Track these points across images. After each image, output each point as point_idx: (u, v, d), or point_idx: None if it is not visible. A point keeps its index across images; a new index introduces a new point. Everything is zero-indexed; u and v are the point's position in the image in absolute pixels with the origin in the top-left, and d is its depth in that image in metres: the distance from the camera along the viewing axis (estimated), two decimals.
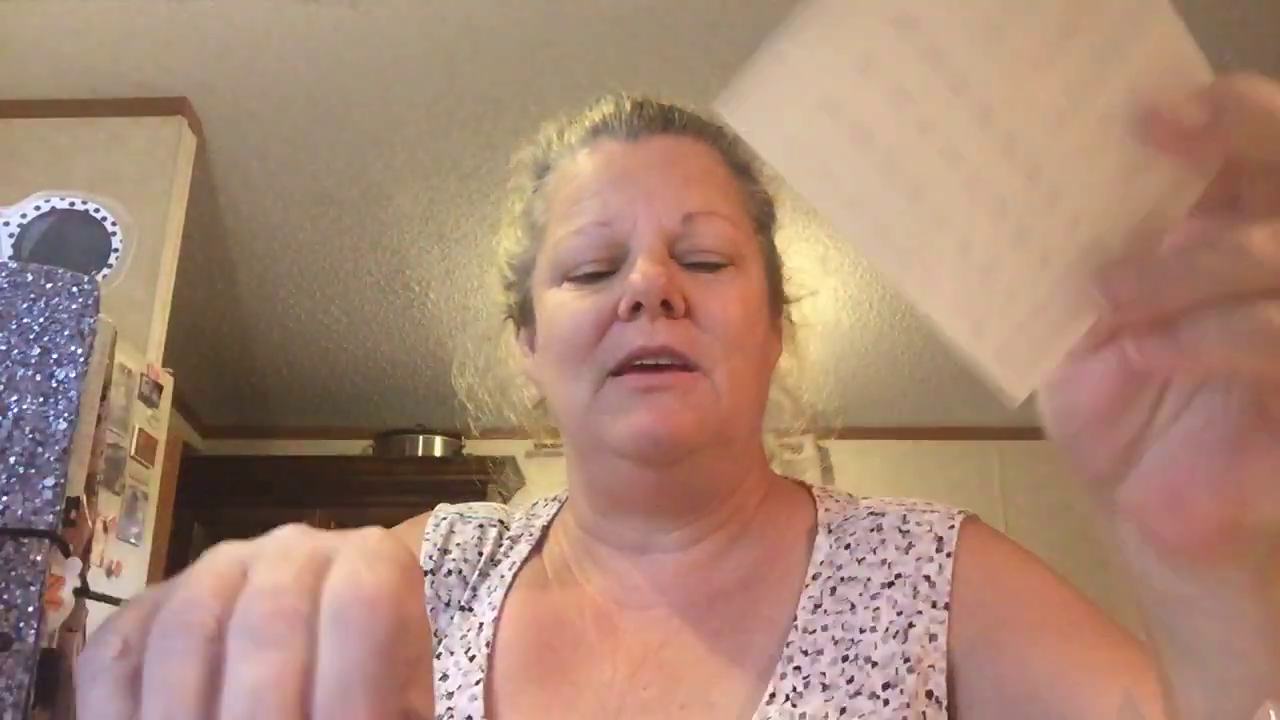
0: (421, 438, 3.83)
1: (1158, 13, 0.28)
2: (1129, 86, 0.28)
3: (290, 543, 0.31)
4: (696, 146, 0.66)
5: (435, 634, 0.65)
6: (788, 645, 0.57)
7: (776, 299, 0.69)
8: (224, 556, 0.30)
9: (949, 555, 0.58)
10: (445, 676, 0.62)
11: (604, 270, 0.61)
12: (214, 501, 3.32)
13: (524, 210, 0.69)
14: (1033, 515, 3.99)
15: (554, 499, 0.73)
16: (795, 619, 0.59)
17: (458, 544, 0.69)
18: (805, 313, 0.73)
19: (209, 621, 0.28)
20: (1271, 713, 0.23)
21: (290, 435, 4.14)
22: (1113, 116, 0.28)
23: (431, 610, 0.65)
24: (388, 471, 3.69)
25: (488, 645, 0.62)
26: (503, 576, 0.67)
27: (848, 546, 0.62)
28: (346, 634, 0.28)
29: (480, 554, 0.68)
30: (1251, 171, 0.28)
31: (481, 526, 0.70)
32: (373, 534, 0.31)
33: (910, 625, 0.56)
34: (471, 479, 3.33)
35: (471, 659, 0.62)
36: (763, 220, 0.68)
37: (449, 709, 0.59)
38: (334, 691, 0.27)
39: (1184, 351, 0.27)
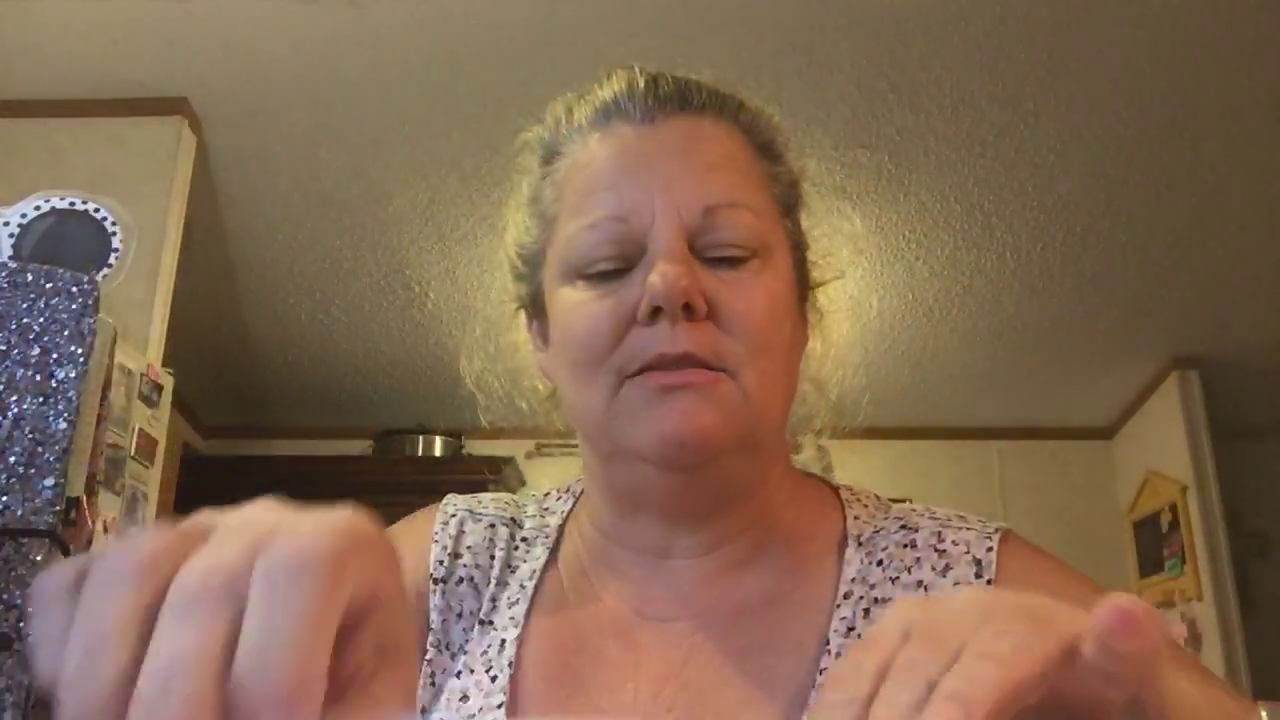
0: (421, 438, 3.83)
1: None
2: None
3: (254, 516, 0.29)
4: (716, 128, 0.61)
5: (447, 645, 0.62)
6: (821, 672, 0.54)
7: (804, 285, 0.65)
8: (195, 521, 0.30)
9: (988, 581, 0.56)
10: (465, 697, 0.59)
11: (619, 268, 0.57)
12: (214, 501, 3.25)
13: (532, 196, 0.65)
14: (1033, 515, 3.99)
15: (567, 491, 0.70)
16: (827, 643, 0.56)
17: (468, 547, 0.65)
18: (831, 295, 0.68)
19: (151, 575, 0.27)
20: (1264, 714, 0.23)
21: (290, 435, 4.15)
22: None
23: (443, 621, 0.62)
24: (388, 471, 3.69)
25: (510, 665, 0.59)
26: (523, 587, 0.64)
27: (880, 563, 0.59)
28: (272, 595, 0.26)
29: (493, 558, 0.65)
30: None
31: (493, 526, 0.67)
32: (340, 512, 0.29)
33: None
34: (471, 479, 3.33)
35: (494, 679, 0.59)
36: (788, 203, 0.64)
37: None
38: (253, 650, 0.25)
39: None
